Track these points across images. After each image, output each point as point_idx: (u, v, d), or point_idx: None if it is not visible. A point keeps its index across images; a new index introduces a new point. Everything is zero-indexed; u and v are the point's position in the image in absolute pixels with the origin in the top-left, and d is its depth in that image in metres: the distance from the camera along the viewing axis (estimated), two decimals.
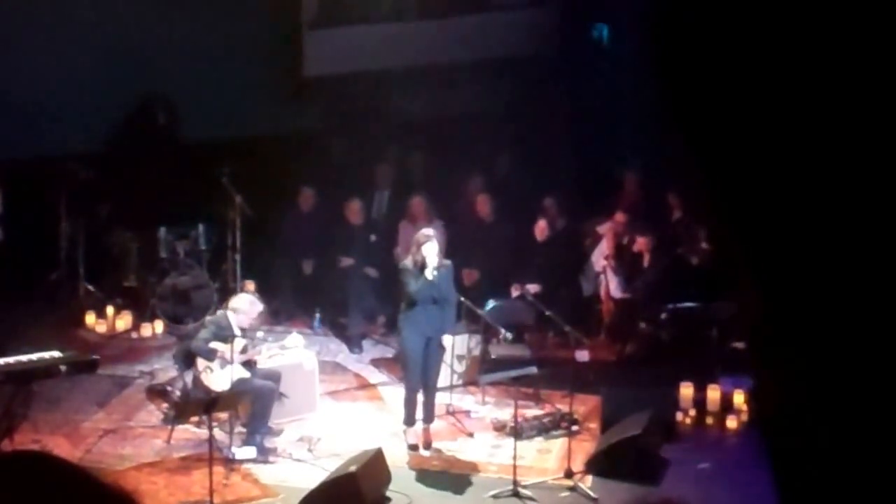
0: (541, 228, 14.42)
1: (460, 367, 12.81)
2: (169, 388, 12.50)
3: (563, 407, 11.94)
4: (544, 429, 11.78)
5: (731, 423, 11.95)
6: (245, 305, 11.60)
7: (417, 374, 11.36)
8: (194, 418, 11.46)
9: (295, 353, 12.04)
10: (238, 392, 11.10)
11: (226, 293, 13.63)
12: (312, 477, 10.54)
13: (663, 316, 13.38)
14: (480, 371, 12.39)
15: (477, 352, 12.90)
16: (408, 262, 11.31)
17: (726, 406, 12.09)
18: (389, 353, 13.73)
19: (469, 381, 12.82)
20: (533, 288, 13.89)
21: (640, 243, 14.07)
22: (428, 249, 11.12)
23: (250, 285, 14.19)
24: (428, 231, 11.53)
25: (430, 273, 11.06)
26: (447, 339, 11.41)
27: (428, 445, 11.49)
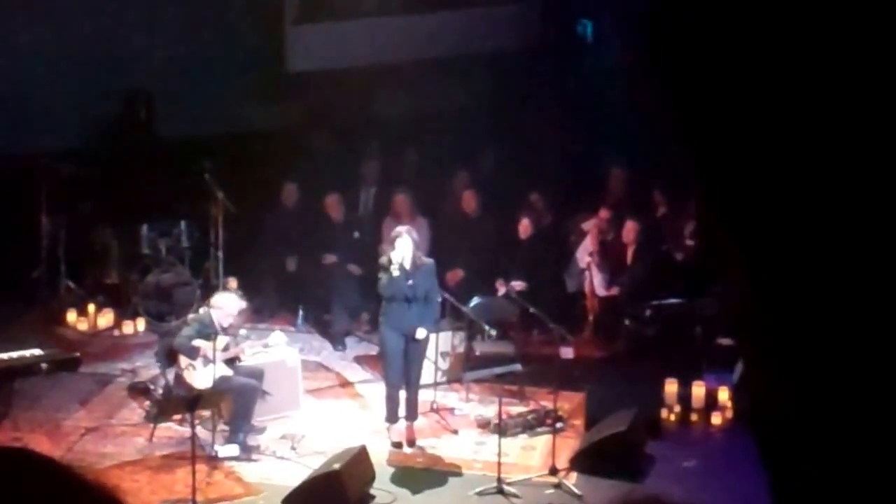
0: (524, 226, 14.44)
1: (444, 365, 12.84)
2: (151, 386, 12.51)
3: (548, 404, 11.98)
4: (529, 426, 11.82)
5: (716, 419, 12.01)
6: (227, 303, 11.62)
7: (398, 372, 11.39)
8: (177, 416, 11.47)
9: (278, 350, 12.07)
10: (221, 390, 11.11)
11: (208, 291, 13.63)
12: (296, 475, 10.57)
13: (648, 312, 13.43)
14: (464, 368, 12.42)
15: (461, 349, 12.93)
16: (383, 259, 11.36)
17: (711, 402, 12.14)
18: (373, 350, 13.73)
19: (453, 379, 12.85)
20: (518, 285, 13.92)
21: (629, 228, 14.08)
22: (398, 245, 11.16)
23: (233, 283, 14.20)
24: (401, 228, 11.53)
25: (395, 269, 11.08)
26: (421, 333, 11.38)
27: (411, 443, 11.53)
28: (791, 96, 2.97)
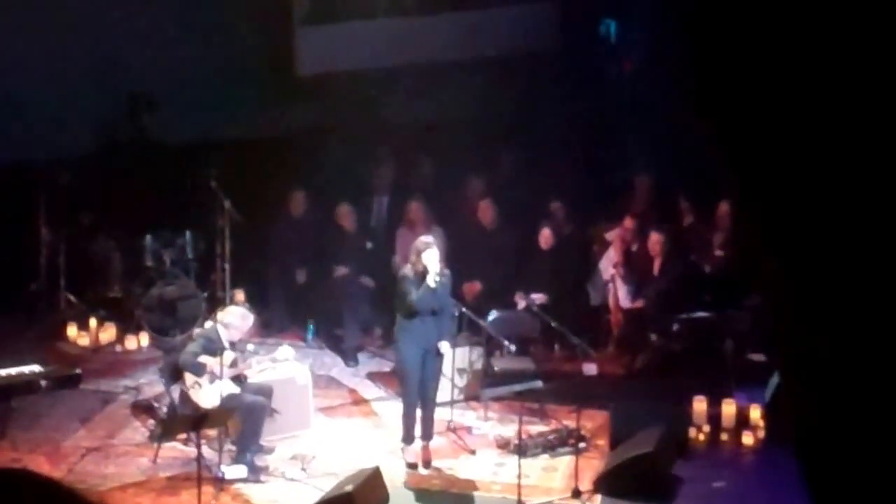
0: (545, 237, 14.42)
1: (461, 382, 12.83)
2: (155, 404, 12.53)
3: (570, 423, 11.96)
4: (550, 446, 11.79)
5: (747, 439, 11.97)
6: (235, 317, 11.62)
7: (415, 389, 11.38)
8: (182, 436, 11.49)
9: (287, 366, 12.07)
10: (228, 408, 11.11)
11: (214, 304, 13.67)
12: (306, 497, 10.59)
13: (675, 326, 13.40)
14: (483, 385, 12.42)
15: (479, 365, 12.92)
16: (407, 270, 11.35)
17: (742, 421, 12.10)
18: (386, 366, 13.76)
19: (471, 396, 12.84)
20: (538, 298, 13.92)
21: (654, 240, 14.04)
22: (428, 257, 11.16)
23: (240, 295, 14.22)
24: (427, 238, 11.56)
25: (431, 280, 11.09)
26: (444, 346, 11.41)
27: (427, 464, 11.52)
28: (834, 104, 2.95)
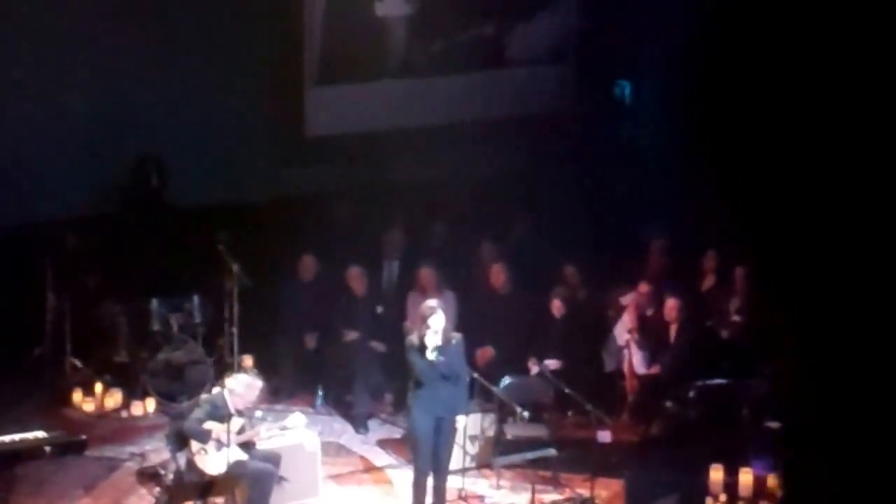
0: (557, 307, 14.45)
1: (473, 449, 12.87)
2: (161, 471, 12.56)
3: (584, 491, 12.00)
4: None
5: None
6: (242, 383, 11.70)
7: (427, 457, 11.39)
8: (188, 503, 11.54)
9: (296, 433, 12.12)
10: (234, 475, 11.16)
11: (222, 369, 13.71)
12: None
13: (691, 393, 13.41)
14: (495, 453, 12.47)
15: (491, 432, 12.96)
16: (413, 338, 11.36)
17: (759, 491, 12.12)
18: (397, 433, 13.80)
19: (483, 464, 12.87)
20: (552, 363, 13.97)
21: (670, 306, 14.11)
22: (434, 322, 11.17)
23: (248, 361, 14.28)
24: (431, 303, 11.52)
25: (431, 354, 11.11)
26: (460, 420, 11.46)
27: None
28: (849, 167, 3.09)
